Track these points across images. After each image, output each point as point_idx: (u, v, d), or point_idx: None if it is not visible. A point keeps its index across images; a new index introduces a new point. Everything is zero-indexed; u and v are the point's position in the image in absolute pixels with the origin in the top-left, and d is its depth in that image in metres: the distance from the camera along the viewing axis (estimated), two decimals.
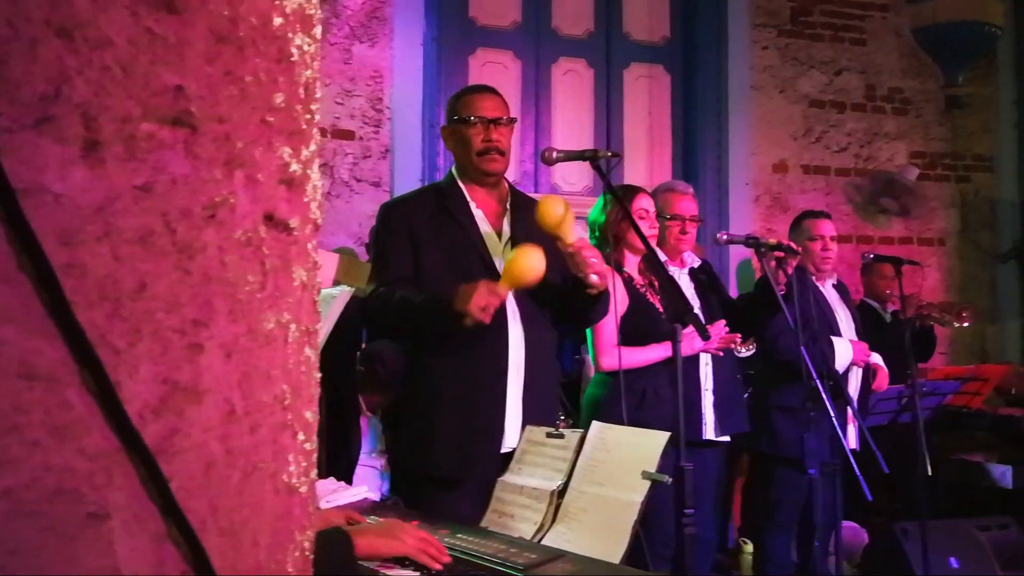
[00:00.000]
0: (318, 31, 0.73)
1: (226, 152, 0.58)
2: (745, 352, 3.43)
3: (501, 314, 2.48)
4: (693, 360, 3.29)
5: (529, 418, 2.43)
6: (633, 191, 3.34)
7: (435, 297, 2.42)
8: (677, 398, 2.31)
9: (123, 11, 0.52)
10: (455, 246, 2.53)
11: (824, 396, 3.00)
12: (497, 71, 5.02)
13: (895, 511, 4.49)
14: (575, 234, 2.38)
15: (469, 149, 2.57)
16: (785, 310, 3.10)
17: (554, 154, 2.57)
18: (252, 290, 0.61)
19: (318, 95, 0.74)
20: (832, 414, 2.96)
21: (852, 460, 2.96)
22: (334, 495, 2.28)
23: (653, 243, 3.29)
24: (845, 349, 3.66)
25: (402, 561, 1.74)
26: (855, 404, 3.51)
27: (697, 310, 3.38)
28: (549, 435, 2.18)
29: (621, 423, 2.22)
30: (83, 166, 0.50)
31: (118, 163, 0.52)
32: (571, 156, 2.64)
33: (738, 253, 5.09)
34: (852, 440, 3.61)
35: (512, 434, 2.47)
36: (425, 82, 4.77)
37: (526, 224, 2.55)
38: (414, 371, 2.59)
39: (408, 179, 4.69)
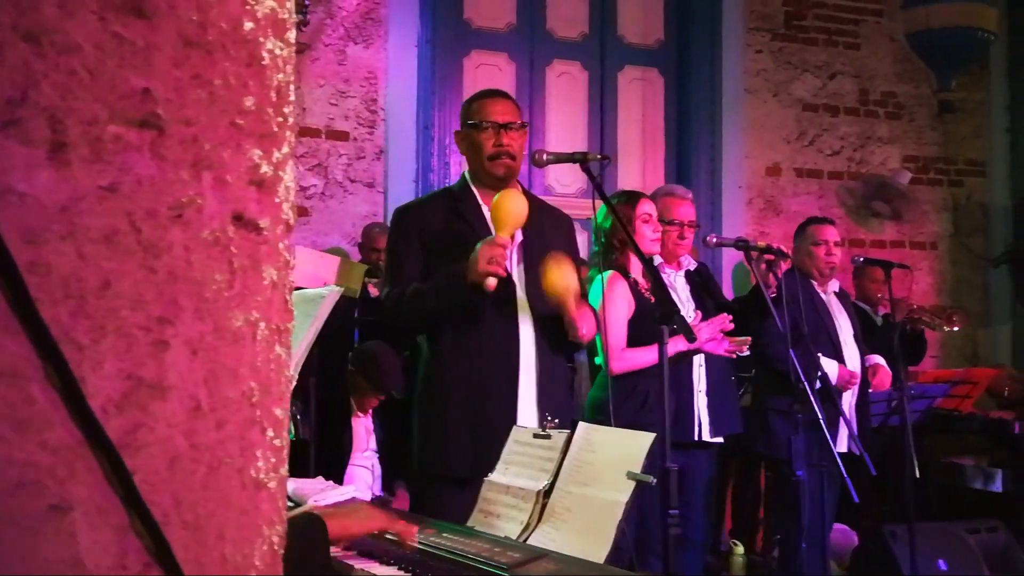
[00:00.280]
0: (292, 35, 0.74)
1: (193, 154, 0.60)
2: (745, 351, 3.45)
3: (511, 315, 2.54)
4: (686, 362, 3.30)
5: (542, 417, 2.47)
6: (636, 197, 3.36)
7: (446, 274, 2.47)
8: (664, 398, 2.32)
9: (91, 16, 0.53)
10: (467, 249, 2.56)
11: (812, 399, 3.01)
12: (491, 73, 5.03)
13: (884, 513, 4.51)
14: (575, 303, 2.47)
15: (480, 153, 2.61)
16: (774, 314, 3.12)
17: (544, 156, 2.59)
18: (219, 289, 0.62)
19: (291, 98, 0.75)
20: (820, 417, 2.98)
21: (839, 462, 2.97)
22: (322, 494, 2.29)
23: (657, 246, 3.32)
24: (831, 371, 3.66)
25: (381, 558, 1.76)
26: (843, 407, 3.52)
27: (692, 312, 3.41)
28: (536, 435, 2.20)
29: (624, 424, 2.25)
30: (49, 167, 0.52)
31: (84, 164, 0.53)
32: (561, 158, 2.66)
33: (733, 256, 5.11)
34: (843, 443, 3.61)
35: None
36: (419, 83, 4.79)
37: (538, 227, 2.59)
38: (427, 372, 2.63)
39: (402, 180, 4.71)
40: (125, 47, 0.55)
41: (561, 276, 2.45)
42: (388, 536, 1.77)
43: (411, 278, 2.57)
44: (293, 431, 2.92)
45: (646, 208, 3.28)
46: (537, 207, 2.71)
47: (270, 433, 0.70)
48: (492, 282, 2.37)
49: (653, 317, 3.19)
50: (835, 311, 3.83)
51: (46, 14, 0.51)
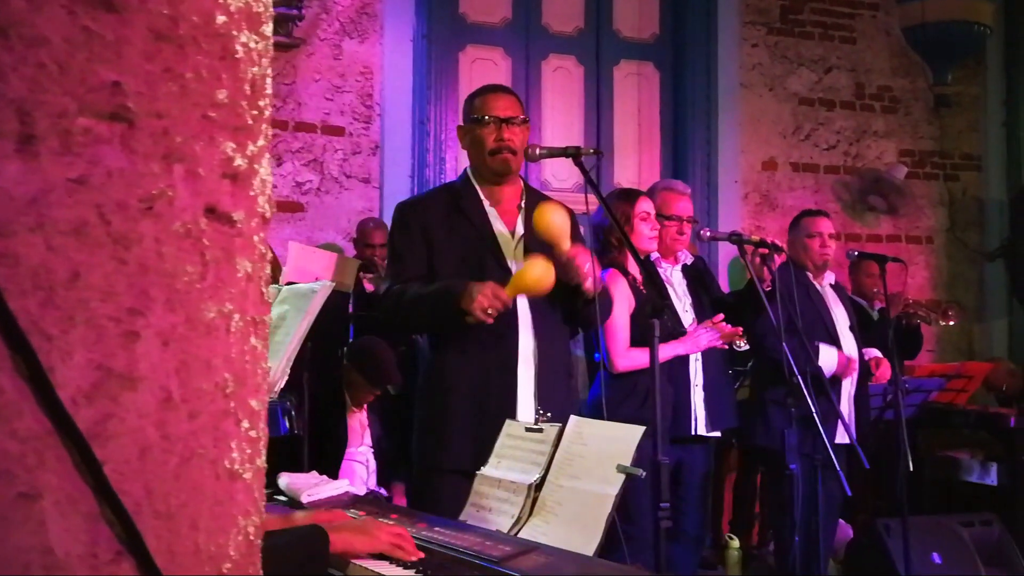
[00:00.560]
0: (267, 29, 0.75)
1: (164, 146, 0.60)
2: (744, 346, 3.46)
3: (511, 309, 2.54)
4: (683, 357, 3.32)
5: (540, 410, 2.48)
6: (635, 195, 3.37)
7: (443, 291, 2.48)
8: (656, 396, 2.33)
9: (59, 10, 0.54)
10: (468, 245, 2.58)
11: (806, 393, 3.02)
12: (487, 68, 5.03)
13: (879, 507, 4.52)
14: (569, 242, 2.44)
15: (482, 148, 2.62)
16: (768, 308, 3.13)
17: (537, 151, 2.60)
18: (191, 280, 0.63)
19: (268, 91, 0.76)
20: (814, 410, 2.99)
21: (833, 456, 2.98)
22: (315, 488, 2.29)
23: (655, 244, 3.33)
24: (830, 358, 3.67)
25: (376, 556, 1.77)
26: (837, 401, 3.53)
27: (688, 307, 3.42)
28: (528, 429, 2.21)
29: (626, 421, 2.25)
30: (17, 159, 0.52)
31: (53, 156, 0.54)
32: (554, 153, 2.67)
33: (729, 250, 5.11)
34: (842, 435, 3.62)
35: None
36: (415, 79, 4.79)
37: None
38: (429, 366, 2.65)
39: (398, 175, 4.71)
40: (95, 40, 0.56)
41: (551, 214, 2.43)
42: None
43: (413, 273, 2.58)
44: (288, 425, 2.93)
45: (644, 206, 3.29)
46: (539, 201, 2.71)
47: (245, 424, 0.71)
48: (473, 322, 2.40)
49: (643, 312, 3.22)
50: (831, 303, 3.84)
51: (14, 7, 0.52)
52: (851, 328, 3.84)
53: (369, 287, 4.15)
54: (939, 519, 4.04)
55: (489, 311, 2.37)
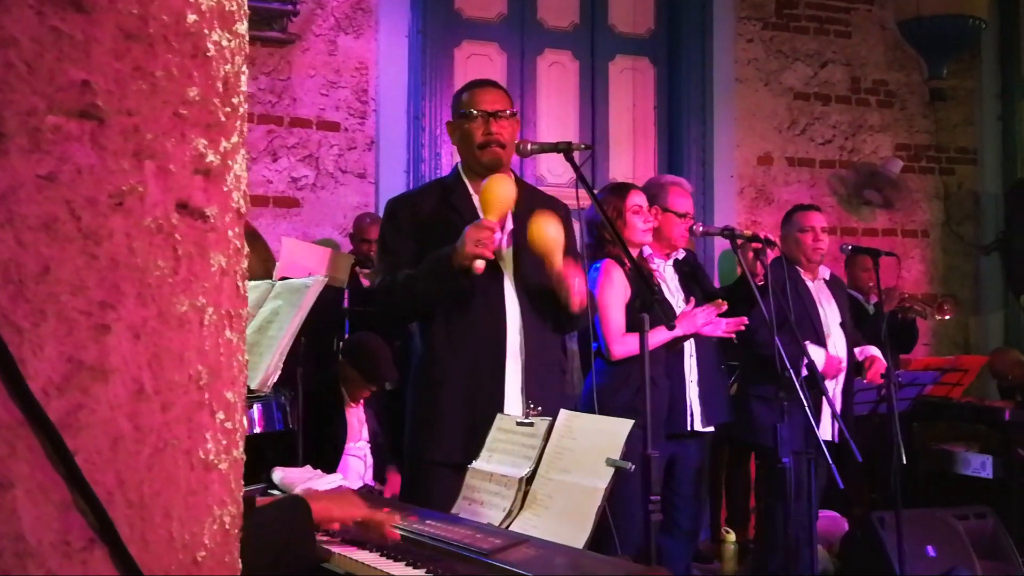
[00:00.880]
0: (241, 27, 0.76)
1: (135, 143, 0.61)
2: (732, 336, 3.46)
3: (499, 305, 2.57)
4: (678, 352, 3.33)
5: (531, 404, 2.49)
6: (626, 188, 3.38)
7: (433, 260, 2.50)
8: (645, 390, 2.34)
9: (28, 11, 0.55)
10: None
11: (798, 387, 3.03)
12: (482, 63, 5.04)
13: (874, 501, 4.53)
14: (561, 257, 2.47)
15: (471, 143, 2.63)
16: (760, 302, 3.14)
17: (528, 146, 2.61)
18: (163, 275, 0.64)
19: (242, 88, 0.77)
20: (806, 404, 3.00)
21: (825, 449, 2.99)
22: (310, 483, 2.31)
23: (648, 237, 3.34)
24: (818, 358, 3.67)
25: (363, 544, 1.79)
26: (830, 395, 3.54)
27: (680, 301, 3.42)
28: (519, 423, 2.22)
29: (621, 410, 2.27)
30: None
31: (22, 154, 0.55)
32: (545, 148, 2.69)
33: (722, 244, 5.12)
34: (828, 431, 3.63)
35: None
36: (410, 74, 4.80)
37: (530, 215, 2.60)
38: (419, 358, 2.66)
39: (393, 171, 4.72)
40: (63, 40, 0.57)
41: (546, 228, 2.45)
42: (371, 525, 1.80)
43: (403, 268, 2.59)
44: (282, 421, 2.94)
45: (636, 199, 3.29)
46: (531, 194, 2.73)
47: (220, 416, 0.72)
48: (480, 264, 2.40)
49: (635, 305, 3.23)
50: (822, 298, 3.83)
51: None
52: (842, 325, 3.84)
53: (365, 282, 4.17)
54: (934, 512, 4.05)
55: (480, 242, 2.37)
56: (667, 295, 3.37)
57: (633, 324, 3.17)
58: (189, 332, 0.67)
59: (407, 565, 1.70)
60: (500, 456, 2.19)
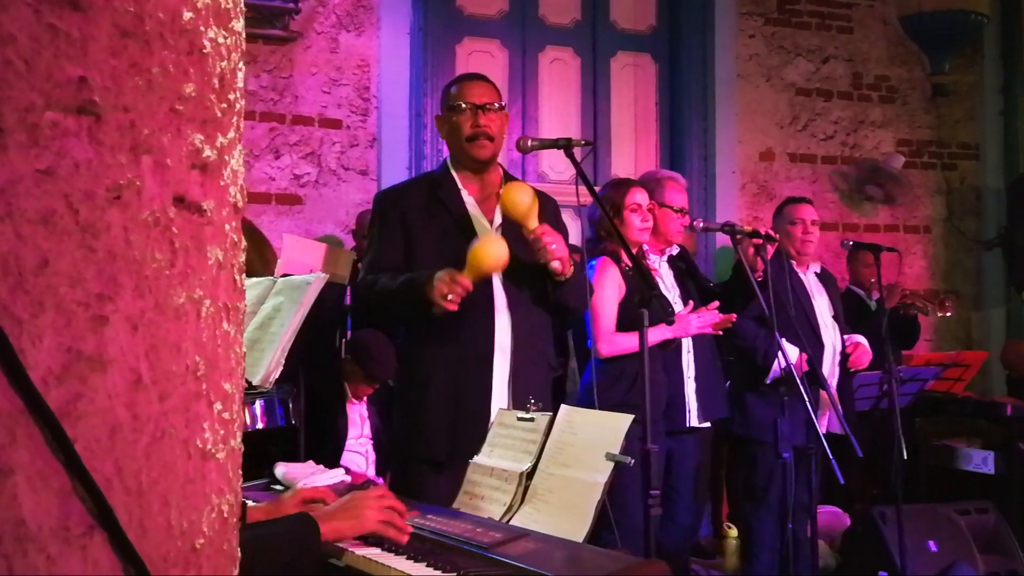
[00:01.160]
0: (237, 24, 0.77)
1: (132, 138, 0.63)
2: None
3: (488, 300, 2.56)
4: (675, 349, 3.34)
5: (517, 402, 2.49)
6: (626, 185, 3.38)
7: (408, 283, 2.49)
8: (645, 385, 2.35)
9: (25, 9, 0.56)
10: (446, 233, 2.58)
11: (798, 381, 3.04)
12: (484, 60, 5.05)
13: (876, 496, 4.54)
14: (537, 221, 2.45)
15: (459, 136, 2.63)
16: (760, 297, 3.15)
17: (529, 142, 2.62)
18: (160, 267, 0.65)
19: (239, 85, 0.78)
20: (807, 399, 3.01)
21: (825, 444, 3.00)
22: (312, 477, 2.33)
23: (648, 235, 3.35)
24: (791, 356, 3.64)
25: (367, 539, 1.80)
26: (831, 388, 3.54)
27: (676, 297, 3.43)
28: (520, 418, 2.23)
29: (616, 406, 2.28)
30: None
31: (20, 149, 0.56)
32: (545, 144, 2.69)
33: (725, 239, 5.13)
34: (824, 425, 3.64)
35: None
36: (412, 71, 4.81)
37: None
38: (406, 357, 2.66)
39: (395, 168, 4.73)
40: (60, 38, 0.58)
41: (519, 193, 2.44)
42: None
43: (388, 264, 2.59)
44: (284, 416, 2.96)
45: (636, 198, 3.29)
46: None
47: (218, 406, 0.73)
48: (439, 312, 2.41)
49: (634, 301, 3.23)
50: (813, 292, 3.82)
51: None
52: (835, 318, 3.84)
53: None
54: (935, 507, 4.06)
55: (449, 297, 2.37)
56: (663, 291, 3.38)
57: (627, 322, 3.18)
58: (186, 324, 0.68)
59: (408, 559, 1.71)
60: (501, 451, 2.21)
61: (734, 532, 4.62)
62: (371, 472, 3.87)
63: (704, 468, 3.68)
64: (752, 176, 5.45)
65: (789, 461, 3.16)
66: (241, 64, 0.79)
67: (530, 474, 2.10)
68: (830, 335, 3.77)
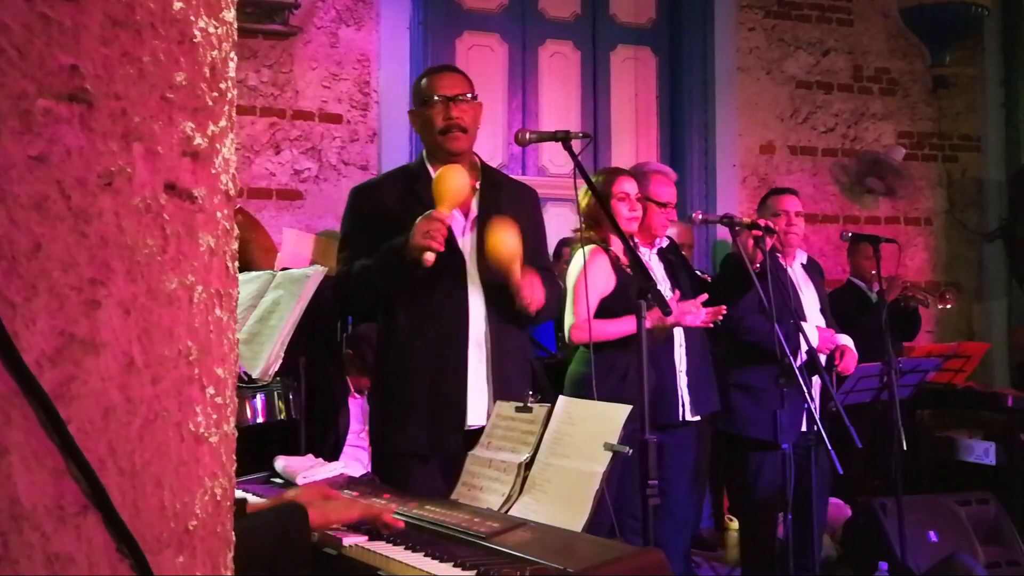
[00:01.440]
0: (228, 15, 0.78)
1: (123, 126, 0.64)
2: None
3: (461, 293, 2.55)
4: (667, 342, 3.33)
5: (494, 394, 2.49)
6: (614, 174, 3.38)
7: (386, 251, 2.47)
8: (642, 374, 2.36)
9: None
10: None
11: (798, 373, 3.05)
12: (484, 54, 5.06)
13: (877, 487, 4.55)
14: (520, 269, 2.45)
15: (432, 129, 2.61)
16: (759, 288, 3.15)
17: (527, 135, 2.61)
18: (152, 253, 0.66)
19: (230, 74, 0.79)
20: (806, 391, 3.02)
21: (824, 435, 3.01)
22: (311, 471, 2.34)
23: (636, 225, 3.34)
24: (812, 334, 3.66)
25: (368, 532, 1.82)
26: (829, 381, 3.55)
27: (667, 290, 3.43)
28: (518, 409, 2.25)
29: (603, 399, 2.28)
30: None
31: (13, 136, 0.57)
32: (544, 137, 2.69)
33: (725, 231, 5.13)
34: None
35: (476, 410, 2.53)
36: (412, 65, 4.81)
37: (495, 202, 2.60)
38: (384, 351, 2.65)
39: (395, 162, 4.72)
40: (53, 27, 0.59)
41: (503, 240, 2.43)
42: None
43: (361, 259, 2.56)
44: (283, 410, 2.97)
45: (624, 187, 3.29)
46: (496, 181, 2.70)
47: (211, 391, 0.75)
48: (429, 257, 2.36)
49: (628, 292, 3.23)
50: (800, 284, 3.81)
51: None
52: (821, 311, 3.83)
53: None
54: (935, 498, 4.07)
55: (433, 234, 2.35)
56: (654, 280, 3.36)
57: (614, 312, 3.16)
58: (178, 309, 0.69)
59: (406, 549, 1.72)
60: (499, 442, 2.22)
61: (735, 525, 4.63)
62: (371, 466, 3.88)
63: (700, 461, 3.68)
64: (753, 169, 5.45)
65: (788, 453, 3.16)
66: (233, 54, 0.81)
67: (528, 465, 2.11)
68: (817, 327, 3.76)
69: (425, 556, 1.67)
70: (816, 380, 3.55)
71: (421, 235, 2.35)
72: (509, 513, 2.01)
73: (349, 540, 1.75)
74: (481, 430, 2.43)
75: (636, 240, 3.43)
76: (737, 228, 3.27)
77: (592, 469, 1.98)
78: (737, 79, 5.39)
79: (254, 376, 2.51)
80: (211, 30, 0.74)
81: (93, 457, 0.61)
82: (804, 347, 3.31)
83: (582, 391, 2.92)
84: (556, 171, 5.11)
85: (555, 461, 2.07)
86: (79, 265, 0.61)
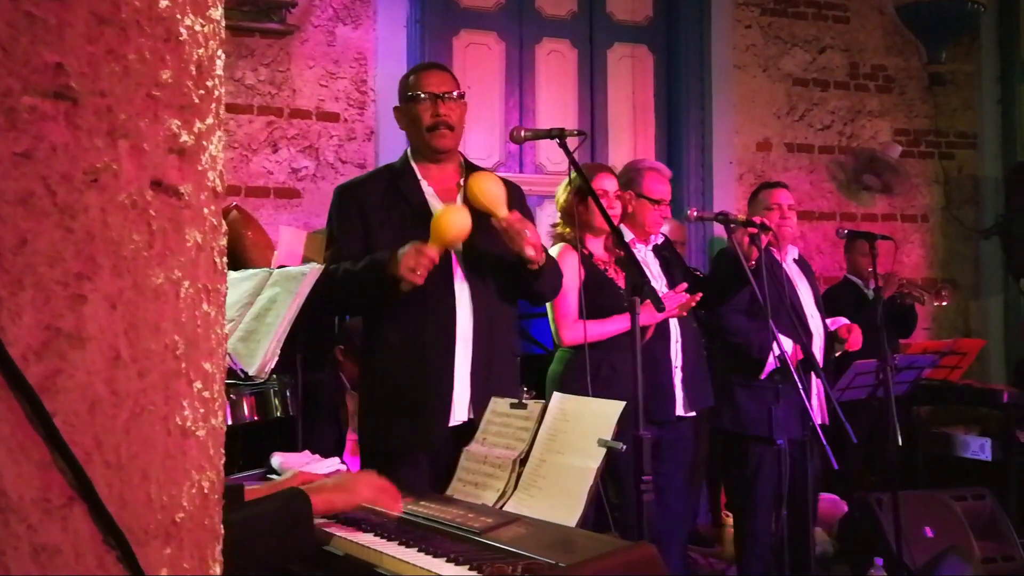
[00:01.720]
0: (215, 13, 0.79)
1: (108, 123, 0.65)
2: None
3: (449, 289, 2.54)
4: (664, 339, 3.32)
5: (478, 392, 2.49)
6: (593, 170, 3.38)
7: (371, 264, 2.48)
8: (637, 371, 2.36)
9: None
10: (405, 225, 2.55)
11: (792, 370, 3.06)
12: (481, 52, 5.06)
13: (874, 483, 4.56)
14: (506, 209, 2.44)
15: (419, 126, 2.61)
16: (754, 285, 3.15)
17: (522, 133, 2.62)
18: (138, 248, 0.67)
19: (218, 72, 0.80)
20: (800, 387, 3.02)
21: (819, 431, 3.01)
22: (308, 467, 2.35)
23: (616, 221, 3.33)
24: (788, 346, 3.64)
25: (360, 525, 1.82)
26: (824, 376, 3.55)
27: (663, 286, 3.44)
28: (513, 405, 2.26)
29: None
30: None
31: None
32: (539, 135, 2.69)
33: (721, 229, 5.13)
34: (818, 414, 3.64)
35: (461, 408, 2.53)
36: (409, 64, 4.80)
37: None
38: (369, 347, 2.65)
39: (392, 160, 4.74)
40: (37, 25, 0.60)
41: (485, 182, 2.43)
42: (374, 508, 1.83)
43: (350, 256, 2.56)
44: (280, 407, 2.97)
45: (603, 184, 3.28)
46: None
47: (198, 385, 0.75)
48: (406, 287, 2.38)
49: (608, 291, 3.22)
50: (796, 280, 3.81)
51: None
52: (817, 305, 3.83)
53: None
54: (932, 493, 4.09)
55: (417, 271, 2.35)
56: (651, 280, 3.36)
57: (592, 310, 3.15)
58: (165, 303, 0.70)
59: (400, 544, 1.73)
60: (494, 438, 2.23)
61: (732, 521, 4.64)
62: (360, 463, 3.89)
63: (696, 456, 3.68)
64: (749, 166, 5.46)
65: (784, 448, 3.17)
66: (220, 52, 0.81)
67: (523, 461, 2.12)
68: (816, 323, 3.77)
69: (419, 552, 1.68)
70: (816, 381, 3.56)
71: (406, 268, 2.36)
72: (504, 509, 2.02)
73: (341, 534, 1.76)
74: (466, 426, 2.44)
75: (632, 236, 3.44)
76: (732, 226, 3.28)
77: (586, 465, 1.99)
78: (734, 76, 5.40)
79: (251, 373, 2.51)
80: (197, 28, 0.75)
81: (79, 450, 0.62)
82: (787, 350, 3.28)
83: (559, 390, 2.92)
84: (553, 169, 5.11)
85: (550, 457, 2.08)
86: (65, 260, 0.61)
